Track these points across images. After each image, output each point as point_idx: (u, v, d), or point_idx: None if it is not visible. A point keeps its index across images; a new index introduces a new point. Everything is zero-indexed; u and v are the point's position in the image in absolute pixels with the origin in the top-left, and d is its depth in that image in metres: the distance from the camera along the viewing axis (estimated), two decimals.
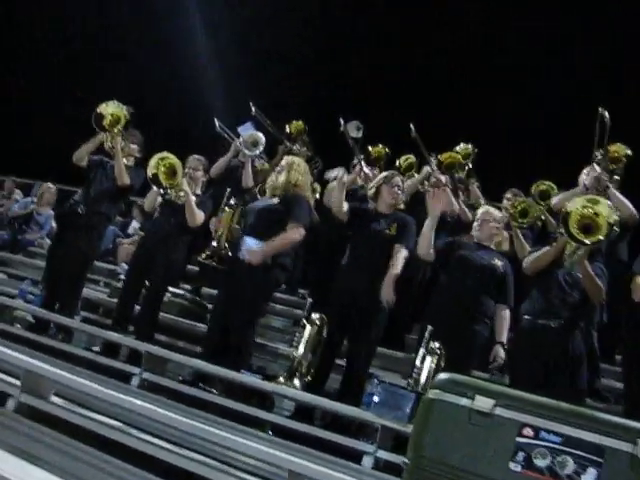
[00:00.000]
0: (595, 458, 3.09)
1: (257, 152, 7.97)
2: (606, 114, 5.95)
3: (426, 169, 7.32)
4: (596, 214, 4.43)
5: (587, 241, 4.45)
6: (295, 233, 5.76)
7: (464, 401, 3.28)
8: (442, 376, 3.47)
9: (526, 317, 5.25)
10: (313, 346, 5.62)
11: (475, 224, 5.93)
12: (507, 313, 5.53)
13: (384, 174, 6.19)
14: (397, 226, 5.81)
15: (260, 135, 8.00)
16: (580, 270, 4.82)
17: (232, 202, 6.99)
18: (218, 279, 6.71)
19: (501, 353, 5.33)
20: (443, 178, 6.94)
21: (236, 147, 8.10)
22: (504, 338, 5.43)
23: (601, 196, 4.88)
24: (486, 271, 5.55)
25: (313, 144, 8.62)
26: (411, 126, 6.74)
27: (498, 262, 5.65)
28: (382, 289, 5.52)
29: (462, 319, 5.45)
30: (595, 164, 6.13)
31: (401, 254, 5.67)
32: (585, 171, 6.23)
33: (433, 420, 3.30)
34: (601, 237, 4.43)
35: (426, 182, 7.17)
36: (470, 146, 7.79)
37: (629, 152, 6.63)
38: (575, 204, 4.51)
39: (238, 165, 8.35)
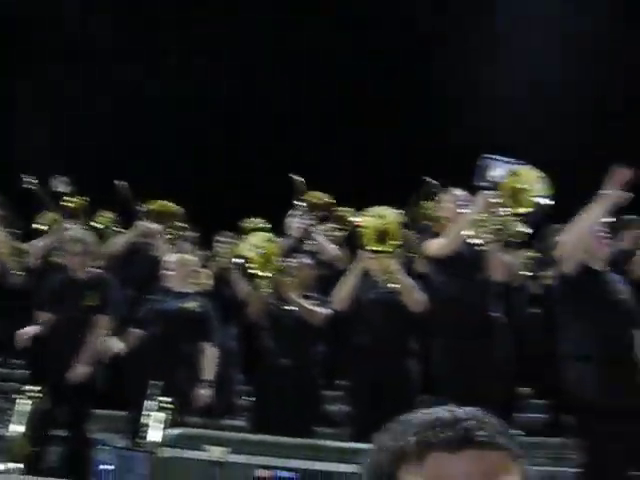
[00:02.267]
0: None
1: None
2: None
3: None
4: (387, 223, 4.65)
5: (388, 248, 4.60)
6: None
7: (197, 454, 3.21)
8: (172, 432, 3.36)
9: None
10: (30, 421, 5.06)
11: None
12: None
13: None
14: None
15: None
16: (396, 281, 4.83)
17: None
18: None
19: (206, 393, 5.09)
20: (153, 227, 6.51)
21: None
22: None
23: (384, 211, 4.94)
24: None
25: None
26: None
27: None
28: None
29: None
30: (301, 213, 6.47)
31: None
32: (291, 218, 6.49)
33: (168, 478, 3.18)
34: (398, 242, 4.62)
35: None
36: None
37: (330, 200, 7.06)
38: (366, 221, 4.64)
39: None
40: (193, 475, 3.19)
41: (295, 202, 6.66)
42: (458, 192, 5.01)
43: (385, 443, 0.87)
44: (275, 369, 4.99)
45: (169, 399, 4.65)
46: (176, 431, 3.31)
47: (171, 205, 7.07)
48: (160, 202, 6.86)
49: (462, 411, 0.86)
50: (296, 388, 4.93)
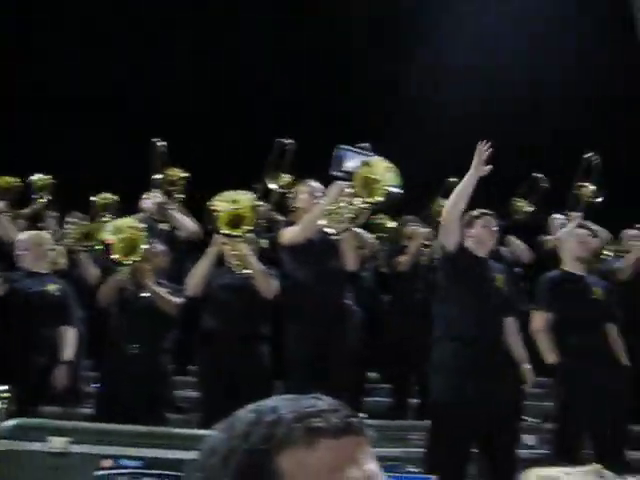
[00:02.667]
0: (174, 473, 3.17)
1: None
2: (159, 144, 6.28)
3: None
4: (240, 208, 4.55)
5: (241, 232, 4.52)
6: None
7: (37, 445, 3.03)
8: (8, 423, 3.15)
9: None
10: None
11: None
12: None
13: None
14: None
15: None
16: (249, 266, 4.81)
17: None
18: None
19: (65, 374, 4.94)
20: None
21: None
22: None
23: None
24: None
25: None
26: None
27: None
28: None
29: None
30: (154, 190, 6.30)
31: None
32: (145, 196, 6.33)
33: (6, 473, 2.99)
34: (250, 225, 4.57)
35: None
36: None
37: (185, 175, 6.98)
38: (220, 205, 4.51)
39: None
40: (34, 468, 3.02)
41: (152, 177, 6.49)
42: (314, 183, 5.12)
43: (250, 429, 0.86)
44: (124, 356, 4.84)
45: (4, 387, 4.38)
46: (12, 422, 3.11)
47: (8, 179, 6.68)
48: None
49: (329, 400, 0.90)
50: (145, 375, 4.80)
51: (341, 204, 4.72)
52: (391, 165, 4.67)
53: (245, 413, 0.89)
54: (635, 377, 4.75)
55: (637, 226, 6.54)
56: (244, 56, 8.76)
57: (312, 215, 4.80)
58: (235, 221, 4.60)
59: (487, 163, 4.07)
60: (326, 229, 4.81)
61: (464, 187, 4.10)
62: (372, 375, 6.45)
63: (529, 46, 8.75)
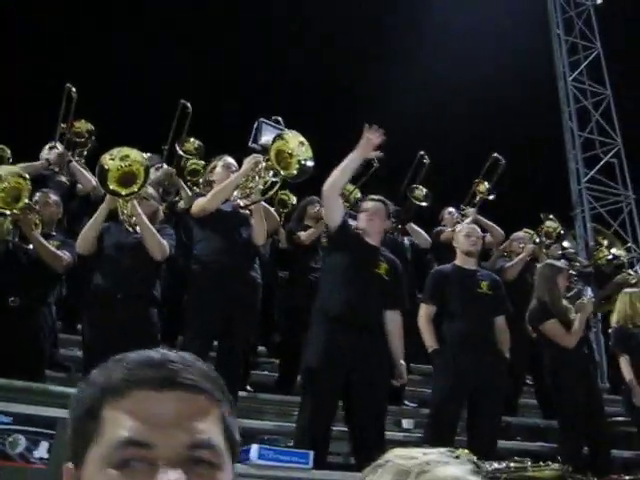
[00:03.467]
0: (47, 431, 3.07)
1: None
2: (73, 91, 5.95)
3: None
4: (131, 164, 4.30)
5: (132, 190, 4.27)
6: None
7: None
8: None
9: None
10: None
11: None
12: None
13: None
14: None
15: None
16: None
17: None
18: None
19: None
20: None
21: None
22: None
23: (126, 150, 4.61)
24: None
25: None
26: None
27: None
28: None
29: None
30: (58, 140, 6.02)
31: None
32: (47, 147, 6.05)
33: None
34: (141, 184, 4.30)
35: None
36: None
37: (91, 127, 6.71)
38: (111, 164, 4.25)
39: None
40: None
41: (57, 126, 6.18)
42: (229, 159, 5.08)
43: (93, 379, 0.90)
44: (5, 308, 4.61)
45: None
46: None
47: None
48: None
49: (173, 354, 0.91)
50: (24, 329, 4.60)
51: (255, 177, 4.69)
52: (304, 139, 4.66)
53: (104, 365, 0.92)
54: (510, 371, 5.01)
55: (525, 230, 6.86)
56: None
57: (222, 186, 4.74)
58: (125, 179, 4.38)
59: (377, 149, 4.22)
60: (238, 201, 4.77)
61: (346, 166, 4.23)
62: (261, 349, 6.48)
63: None
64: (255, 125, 4.81)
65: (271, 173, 4.65)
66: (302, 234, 6.02)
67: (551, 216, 7.12)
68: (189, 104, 6.22)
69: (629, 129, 12.25)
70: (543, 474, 4.12)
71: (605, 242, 8.02)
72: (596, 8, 12.78)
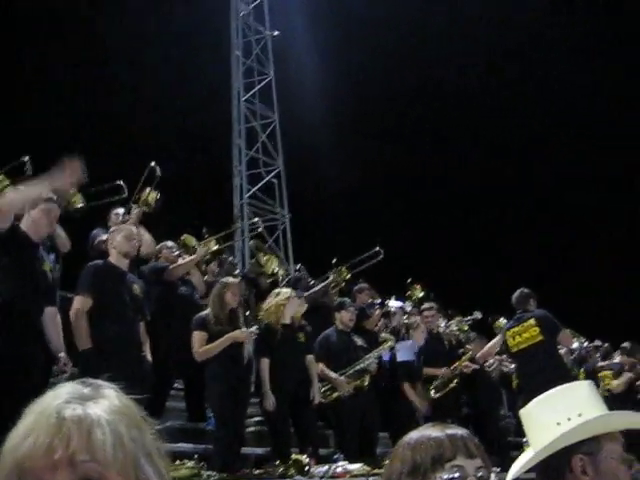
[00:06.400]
0: None
1: None
2: None
3: None
4: None
5: None
6: None
7: None
8: None
9: None
10: None
11: None
12: None
13: None
14: None
15: None
16: None
17: None
18: None
19: None
20: None
21: None
22: None
23: None
24: None
25: None
26: None
27: None
28: None
29: None
30: None
31: None
32: None
33: None
34: None
35: None
36: None
37: None
38: None
39: None
40: None
41: None
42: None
43: None
44: None
45: None
46: None
47: None
48: None
49: None
50: None
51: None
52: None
53: None
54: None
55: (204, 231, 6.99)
56: None
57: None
58: None
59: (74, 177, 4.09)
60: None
61: (27, 196, 4.24)
62: None
63: None
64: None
65: None
66: None
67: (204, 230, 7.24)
68: None
69: (290, 154, 13.35)
70: (179, 473, 4.20)
71: (265, 258, 8.44)
72: (273, 38, 13.77)
